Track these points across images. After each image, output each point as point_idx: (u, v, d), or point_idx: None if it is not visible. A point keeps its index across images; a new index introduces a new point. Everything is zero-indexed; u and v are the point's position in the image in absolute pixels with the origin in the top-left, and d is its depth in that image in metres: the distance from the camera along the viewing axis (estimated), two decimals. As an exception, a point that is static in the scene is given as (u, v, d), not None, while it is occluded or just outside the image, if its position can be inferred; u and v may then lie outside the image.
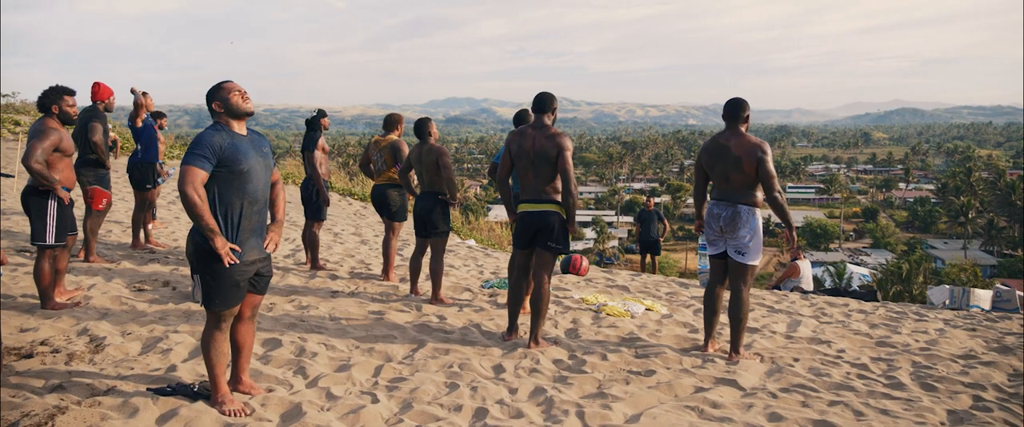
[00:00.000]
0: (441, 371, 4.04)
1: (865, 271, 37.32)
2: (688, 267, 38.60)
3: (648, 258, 12.86)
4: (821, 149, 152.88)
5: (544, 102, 4.44)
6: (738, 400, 3.76)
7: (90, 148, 5.97)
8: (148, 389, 3.43)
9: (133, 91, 7.80)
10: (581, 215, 73.99)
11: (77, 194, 6.36)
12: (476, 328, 5.02)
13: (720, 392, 3.83)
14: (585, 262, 8.18)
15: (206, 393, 3.35)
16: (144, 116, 7.10)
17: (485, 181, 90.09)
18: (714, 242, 4.44)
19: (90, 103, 6.21)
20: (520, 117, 5.38)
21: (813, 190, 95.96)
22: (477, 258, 8.54)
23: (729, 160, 4.24)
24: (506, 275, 6.98)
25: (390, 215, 6.26)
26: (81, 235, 6.28)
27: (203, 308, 3.29)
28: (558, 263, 8.43)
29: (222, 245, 3.04)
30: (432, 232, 5.56)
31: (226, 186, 3.10)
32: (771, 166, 4.16)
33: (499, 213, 58.99)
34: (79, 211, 6.52)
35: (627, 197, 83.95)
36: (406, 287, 6.23)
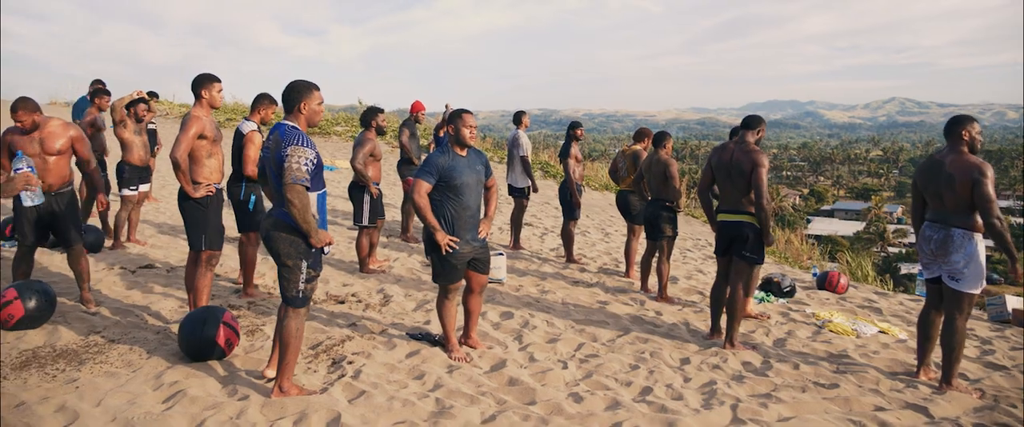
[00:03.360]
0: (632, 355, 4.63)
1: None
2: None
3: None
4: None
5: (751, 122, 4.79)
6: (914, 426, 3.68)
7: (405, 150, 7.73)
8: (407, 333, 4.67)
9: (446, 107, 9.63)
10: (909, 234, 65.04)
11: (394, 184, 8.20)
12: (684, 326, 5.45)
13: (899, 414, 3.78)
14: (843, 279, 7.83)
15: (443, 342, 4.45)
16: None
17: (805, 191, 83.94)
18: (927, 266, 4.27)
19: (408, 115, 8.02)
20: (735, 132, 5.65)
21: None
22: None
23: (942, 179, 4.07)
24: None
25: (631, 219, 6.93)
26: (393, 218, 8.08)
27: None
28: (814, 279, 8.18)
29: (442, 237, 4.09)
30: (658, 236, 6.11)
31: (444, 195, 4.14)
32: (990, 189, 3.89)
33: (819, 225, 54.53)
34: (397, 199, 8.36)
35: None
36: (642, 285, 6.83)
